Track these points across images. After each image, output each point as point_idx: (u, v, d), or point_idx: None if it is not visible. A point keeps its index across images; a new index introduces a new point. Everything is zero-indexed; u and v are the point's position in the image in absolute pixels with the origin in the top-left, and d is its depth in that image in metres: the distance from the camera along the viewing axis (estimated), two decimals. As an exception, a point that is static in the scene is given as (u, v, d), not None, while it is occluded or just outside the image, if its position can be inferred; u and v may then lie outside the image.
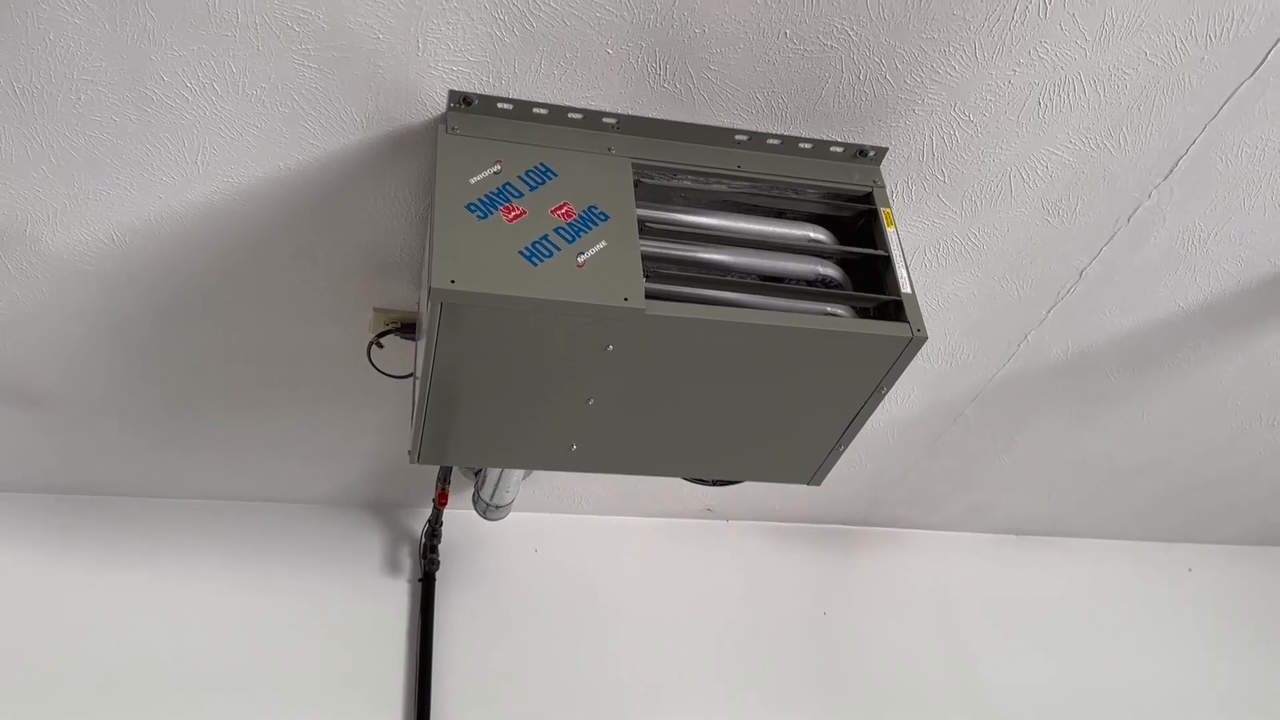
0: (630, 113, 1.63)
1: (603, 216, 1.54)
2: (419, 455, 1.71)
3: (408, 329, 2.00)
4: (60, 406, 2.20)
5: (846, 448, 1.82)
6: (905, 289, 1.61)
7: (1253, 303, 2.18)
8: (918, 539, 3.04)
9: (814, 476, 1.88)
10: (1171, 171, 1.86)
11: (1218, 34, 1.60)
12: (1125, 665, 3.01)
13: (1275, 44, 1.63)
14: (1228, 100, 1.72)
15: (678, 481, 2.68)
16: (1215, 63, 1.65)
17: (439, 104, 1.59)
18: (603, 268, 1.49)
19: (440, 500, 2.36)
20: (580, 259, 1.48)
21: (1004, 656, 2.92)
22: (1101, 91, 1.69)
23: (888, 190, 1.76)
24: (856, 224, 1.75)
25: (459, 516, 2.59)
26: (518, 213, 1.51)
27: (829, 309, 1.63)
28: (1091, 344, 2.28)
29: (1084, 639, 3.02)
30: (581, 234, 1.51)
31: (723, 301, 1.59)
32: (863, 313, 1.64)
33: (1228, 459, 2.81)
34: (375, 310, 1.99)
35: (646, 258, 1.54)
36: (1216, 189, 1.90)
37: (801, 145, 1.70)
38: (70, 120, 1.56)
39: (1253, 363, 2.39)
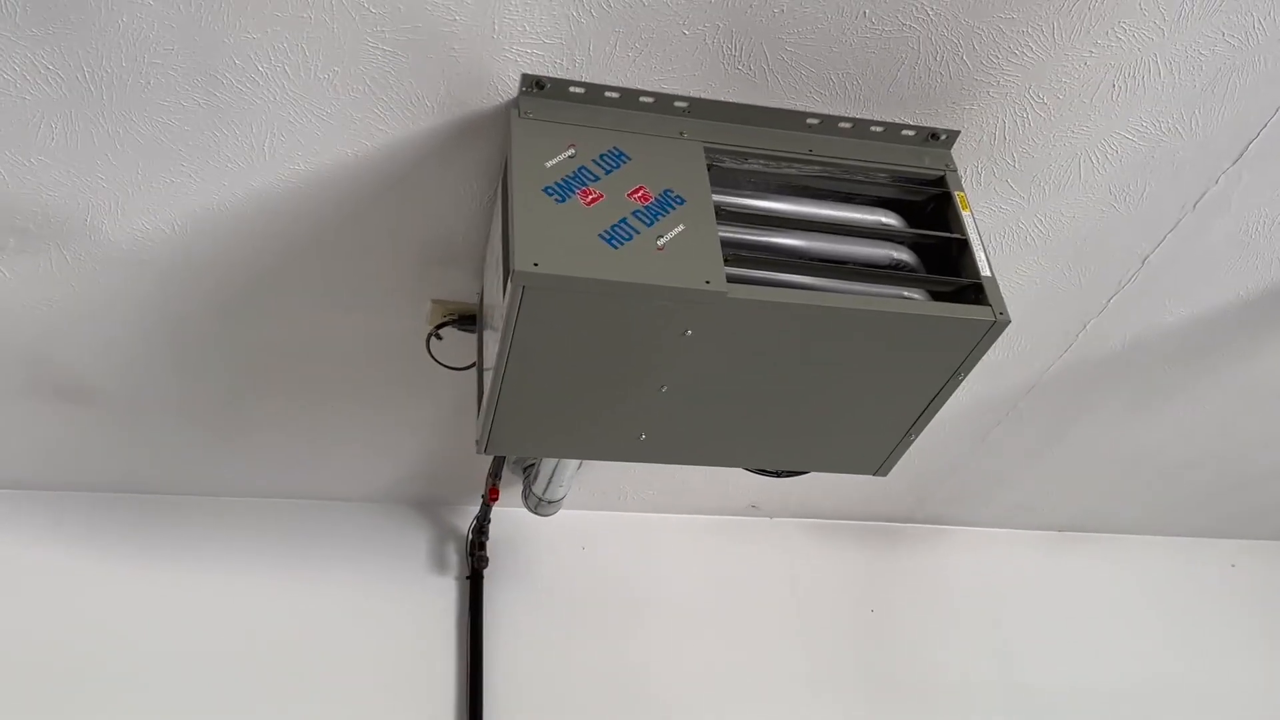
0: (703, 96, 1.61)
1: (679, 200, 1.52)
2: (486, 445, 1.68)
3: (466, 320, 1.97)
4: (112, 403, 2.17)
5: (917, 437, 1.79)
6: (985, 272, 1.59)
7: (1314, 291, 2.16)
8: (963, 536, 3.01)
9: (881, 467, 1.86)
10: (1241, 156, 1.83)
11: (1298, 12, 1.58)
12: (1168, 662, 2.99)
13: (1354, 23, 1.61)
14: (1303, 81, 1.70)
15: (724, 479, 2.68)
16: (1293, 43, 1.63)
17: (510, 88, 1.57)
18: (683, 251, 1.46)
19: (491, 496, 2.34)
20: (660, 242, 1.46)
21: (1049, 654, 2.90)
22: (1176, 74, 1.66)
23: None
24: (927, 208, 1.73)
25: (505, 514, 2.57)
26: (595, 196, 1.49)
27: (905, 293, 1.61)
28: (1149, 334, 2.26)
29: (1128, 636, 3.00)
30: (659, 217, 1.49)
31: (799, 286, 1.57)
32: (938, 297, 1.62)
33: (1275, 453, 2.79)
34: (434, 302, 1.97)
35: (722, 242, 1.52)
36: (1285, 174, 1.88)
37: (873, 129, 1.68)
38: (138, 106, 1.54)
39: (1309, 353, 2.37)
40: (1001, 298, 1.57)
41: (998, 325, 1.55)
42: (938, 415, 2.41)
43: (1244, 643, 3.09)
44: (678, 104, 1.61)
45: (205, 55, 1.48)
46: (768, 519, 2.90)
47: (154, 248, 1.80)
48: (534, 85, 1.56)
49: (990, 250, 1.96)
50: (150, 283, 1.87)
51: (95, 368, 2.07)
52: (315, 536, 2.54)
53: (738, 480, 2.67)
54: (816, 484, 2.70)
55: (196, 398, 2.19)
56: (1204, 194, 1.91)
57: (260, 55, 1.49)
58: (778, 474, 2.00)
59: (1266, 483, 2.93)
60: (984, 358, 2.22)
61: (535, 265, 1.39)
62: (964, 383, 2.35)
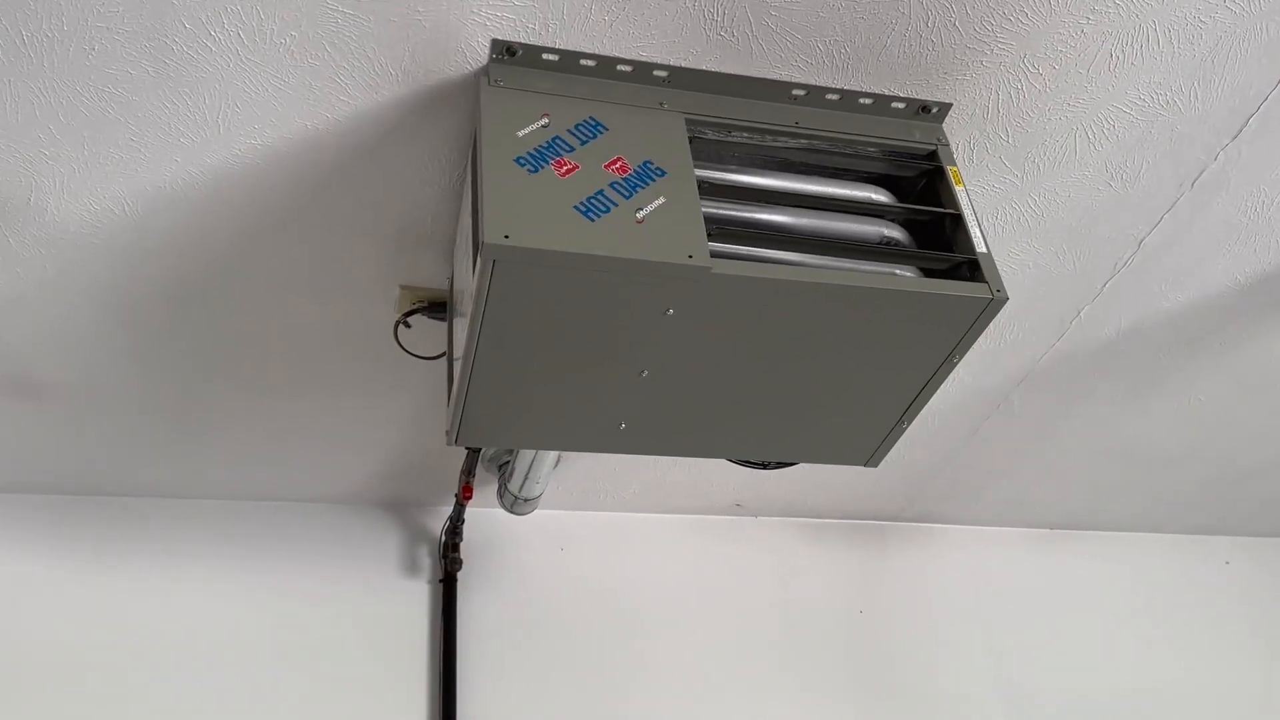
0: (683, 65, 1.53)
1: (659, 172, 1.44)
2: (457, 435, 1.60)
3: (436, 308, 1.89)
4: (62, 398, 2.07)
5: (909, 425, 1.71)
6: (981, 248, 1.52)
7: (1313, 275, 2.10)
8: (954, 534, 2.94)
9: (873, 457, 1.78)
10: (1240, 131, 1.77)
11: (1303, -24, 1.52)
12: (1162, 661, 2.93)
13: (1360, -11, 1.55)
14: (1306, 51, 1.64)
15: (706, 477, 2.60)
16: (1297, 9, 1.57)
17: (480, 55, 1.48)
18: (663, 224, 1.38)
19: (465, 494, 2.25)
20: (639, 215, 1.38)
21: (1041, 653, 2.83)
22: (1176, 43, 1.60)
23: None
24: (918, 184, 1.65)
25: (479, 515, 2.48)
26: (570, 167, 1.40)
27: (897, 270, 1.53)
28: (1144, 321, 2.19)
29: (1121, 635, 2.94)
30: (638, 189, 1.41)
31: (786, 263, 1.49)
32: (931, 274, 1.54)
33: (1270, 445, 2.73)
34: (402, 288, 1.88)
35: (705, 218, 1.44)
36: (1286, 150, 1.82)
37: (862, 101, 1.61)
38: (81, 73, 1.44)
39: (1306, 341, 2.31)
40: (998, 274, 1.49)
41: (995, 303, 1.48)
42: (927, 407, 2.35)
43: (1239, 641, 3.04)
44: (657, 73, 1.53)
45: (153, 18, 1.38)
46: (753, 518, 2.82)
47: (104, 230, 1.70)
48: (505, 52, 1.48)
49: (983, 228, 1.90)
50: (101, 268, 1.77)
51: (43, 360, 1.97)
52: (281, 540, 2.45)
53: (722, 478, 2.59)
54: (803, 481, 2.63)
55: (152, 392, 2.09)
56: (1202, 171, 1.84)
57: (212, 19, 1.40)
58: (764, 465, 1.92)
59: (1263, 478, 2.88)
60: (975, 346, 2.15)
61: (506, 238, 1.30)
62: (954, 373, 2.30)
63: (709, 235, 1.41)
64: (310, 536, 2.46)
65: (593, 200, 1.38)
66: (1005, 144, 1.74)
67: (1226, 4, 1.55)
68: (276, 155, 1.60)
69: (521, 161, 1.39)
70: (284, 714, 2.25)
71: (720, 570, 2.70)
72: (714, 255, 1.40)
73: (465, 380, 1.50)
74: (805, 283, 1.42)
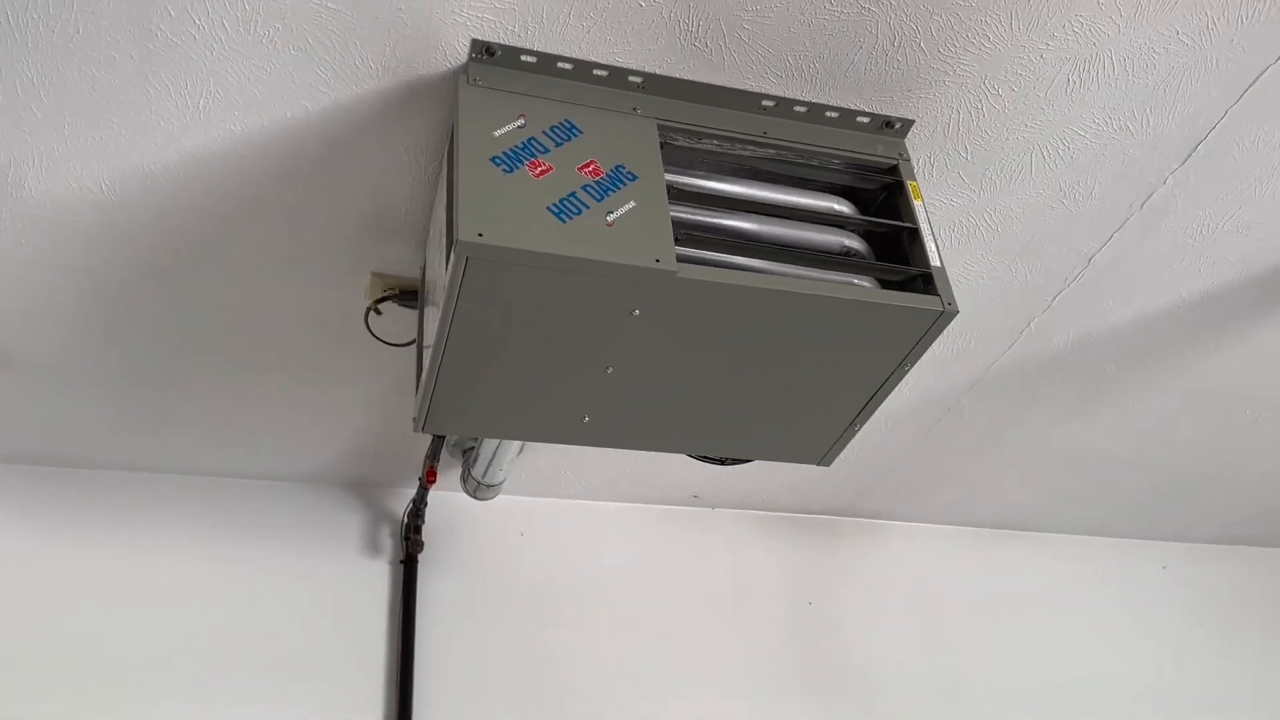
0: (658, 72, 1.58)
1: (630, 176, 1.48)
2: (425, 423, 1.64)
3: (407, 295, 1.92)
4: (33, 370, 2.08)
5: (861, 428, 1.78)
6: (935, 262, 1.58)
7: (1253, 295, 2.19)
8: (902, 531, 3.03)
9: (825, 457, 1.84)
10: (1189, 157, 1.85)
11: (1250, 14, 1.59)
12: (1100, 660, 3.03)
13: (1305, 27, 1.62)
14: (1251, 85, 1.71)
15: (667, 467, 2.65)
16: (1244, 45, 1.64)
17: (459, 53, 1.52)
18: (633, 228, 1.43)
19: (429, 478, 2.29)
20: (610, 218, 1.43)
21: (984, 649, 2.92)
22: (1131, 71, 1.67)
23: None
24: (879, 197, 1.71)
25: (442, 498, 2.52)
26: (544, 168, 1.45)
27: (855, 280, 1.59)
28: (1092, 334, 2.28)
29: (1061, 633, 3.04)
30: (610, 193, 1.45)
31: (749, 269, 1.55)
32: (887, 286, 1.61)
33: (1209, 456, 2.84)
34: (374, 275, 1.92)
35: (673, 222, 1.49)
36: (1230, 176, 1.89)
37: (828, 114, 1.66)
38: (66, 56, 1.46)
39: (1245, 358, 2.40)
40: (950, 288, 1.56)
41: (945, 315, 1.54)
42: (881, 409, 2.42)
43: (1174, 642, 3.14)
44: (632, 79, 1.58)
45: (139, 4, 1.41)
46: (709, 509, 2.88)
47: (81, 209, 1.72)
48: (484, 51, 1.52)
49: (939, 242, 1.97)
50: (77, 245, 1.79)
51: (15, 333, 1.98)
52: (245, 516, 2.47)
53: (681, 469, 2.64)
54: (759, 475, 2.69)
55: (123, 368, 2.11)
56: (1151, 194, 1.92)
57: (197, 7, 1.42)
58: (721, 462, 1.98)
59: (1201, 487, 2.99)
60: (928, 352, 2.23)
61: (480, 236, 1.35)
62: (908, 378, 2.37)
63: (676, 239, 1.47)
64: (275, 514, 2.49)
65: (565, 202, 1.42)
66: (964, 160, 1.80)
67: (1179, 37, 1.62)
68: (254, 142, 1.63)
69: (497, 161, 1.43)
70: (242, 687, 2.28)
71: (676, 559, 2.76)
72: (680, 260, 1.45)
73: (434, 371, 1.54)
74: (766, 290, 1.48)
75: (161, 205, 1.73)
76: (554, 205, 1.41)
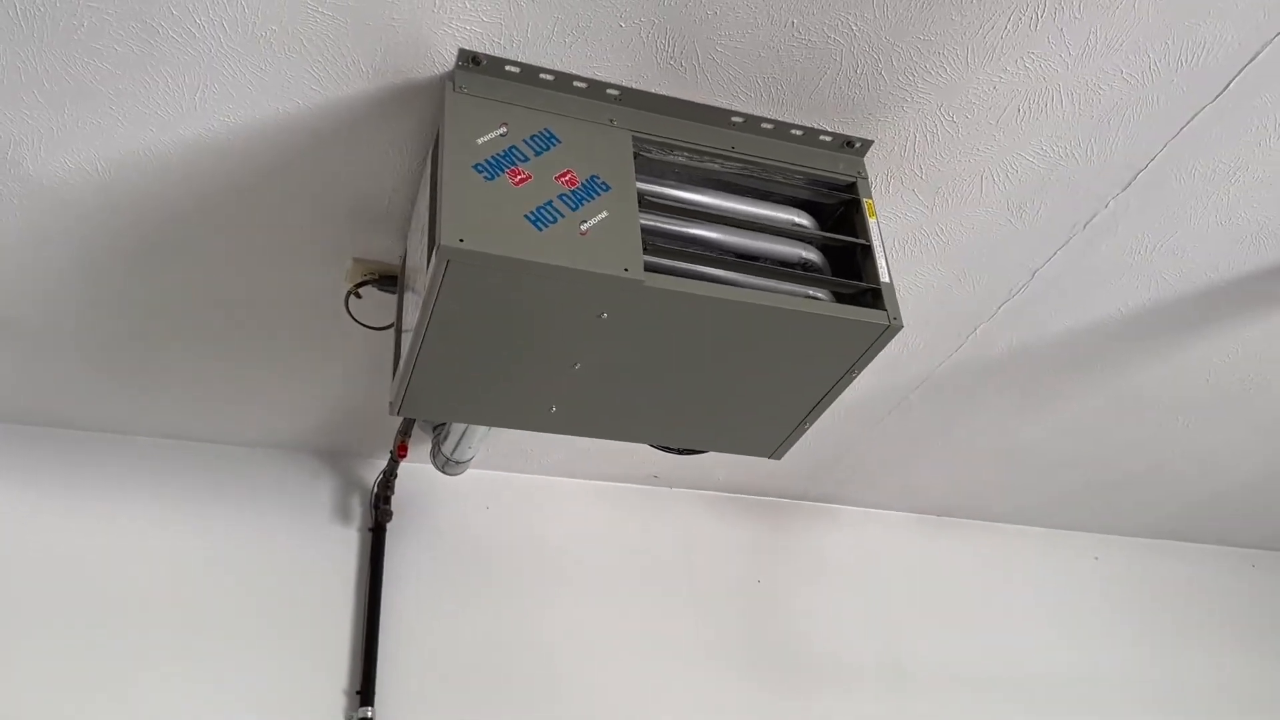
0: (634, 86, 1.67)
1: (604, 186, 1.58)
2: (400, 407, 1.73)
3: (386, 281, 2.00)
4: (23, 334, 2.15)
5: (811, 425, 1.89)
6: (884, 278, 1.69)
7: (1185, 311, 2.32)
8: (850, 515, 3.16)
9: (777, 450, 1.96)
10: (1130, 184, 1.96)
11: (1189, 59, 1.70)
12: (1030, 640, 3.17)
13: (1238, 74, 1.74)
14: (1189, 122, 1.83)
15: (627, 449, 2.75)
16: (1183, 86, 1.75)
17: (446, 61, 1.60)
18: (604, 237, 1.53)
19: (400, 452, 2.38)
20: (583, 227, 1.52)
21: (922, 629, 3.06)
22: (1078, 104, 1.78)
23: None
24: (837, 212, 1.82)
25: (411, 470, 2.61)
26: (523, 176, 1.54)
27: (810, 292, 1.70)
28: (1034, 341, 2.40)
29: (995, 614, 3.18)
30: (584, 202, 1.55)
31: (711, 278, 1.64)
32: (839, 297, 1.71)
33: (1139, 457, 2.99)
34: (355, 260, 2.00)
35: (642, 230, 1.59)
36: (1167, 203, 2.01)
37: (793, 131, 1.76)
38: (69, 46, 1.53)
39: (1176, 369, 2.54)
40: (897, 303, 1.67)
41: (890, 330, 1.65)
42: (837, 401, 2.54)
43: (1102, 629, 3.30)
44: (610, 91, 1.66)
45: (142, 3, 1.47)
46: (667, 488, 2.99)
47: (76, 187, 1.79)
48: (470, 60, 1.60)
49: (892, 253, 2.08)
50: (70, 221, 1.86)
51: (5, 299, 2.04)
52: (218, 480, 2.55)
53: (642, 451, 2.73)
54: (715, 458, 2.78)
55: (107, 336, 2.18)
56: (1094, 216, 2.04)
57: (200, 7, 1.49)
58: (679, 451, 2.09)
59: (1130, 485, 3.14)
60: (882, 351, 2.34)
61: (460, 241, 1.44)
62: (861, 374, 2.49)
63: (645, 248, 1.56)
64: (248, 479, 2.57)
65: (542, 210, 1.51)
66: (919, 179, 1.91)
67: (1123, 74, 1.73)
68: (246, 133, 1.70)
69: (479, 168, 1.52)
70: (212, 649, 2.36)
71: (633, 535, 2.87)
72: (648, 269, 1.55)
73: (412, 360, 1.63)
74: (727, 300, 1.58)
75: (153, 186, 1.80)
76: (531, 214, 1.50)
